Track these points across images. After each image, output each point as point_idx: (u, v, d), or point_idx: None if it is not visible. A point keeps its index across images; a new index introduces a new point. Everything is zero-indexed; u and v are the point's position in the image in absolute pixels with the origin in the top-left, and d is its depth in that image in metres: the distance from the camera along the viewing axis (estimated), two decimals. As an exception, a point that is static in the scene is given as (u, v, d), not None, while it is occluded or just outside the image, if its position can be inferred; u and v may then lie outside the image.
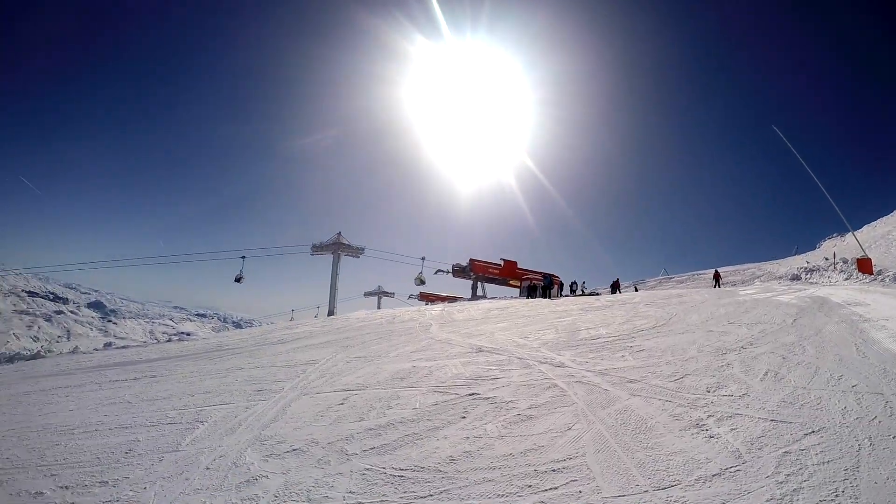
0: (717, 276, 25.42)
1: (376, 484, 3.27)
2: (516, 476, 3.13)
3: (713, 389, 4.48)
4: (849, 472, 2.91)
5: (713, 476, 2.90)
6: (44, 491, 3.86)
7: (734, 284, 24.15)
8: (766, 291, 14.28)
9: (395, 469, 3.46)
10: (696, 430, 3.58)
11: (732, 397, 4.21)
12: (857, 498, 2.64)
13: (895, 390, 4.36)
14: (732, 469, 2.96)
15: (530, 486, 2.98)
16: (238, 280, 30.65)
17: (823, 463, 3.03)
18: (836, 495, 2.68)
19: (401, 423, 4.41)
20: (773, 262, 32.05)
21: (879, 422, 3.66)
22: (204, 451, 4.29)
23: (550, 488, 2.93)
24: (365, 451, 3.88)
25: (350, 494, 3.19)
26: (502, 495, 2.90)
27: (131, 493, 3.63)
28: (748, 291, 13.79)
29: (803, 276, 21.84)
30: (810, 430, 3.52)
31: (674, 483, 2.85)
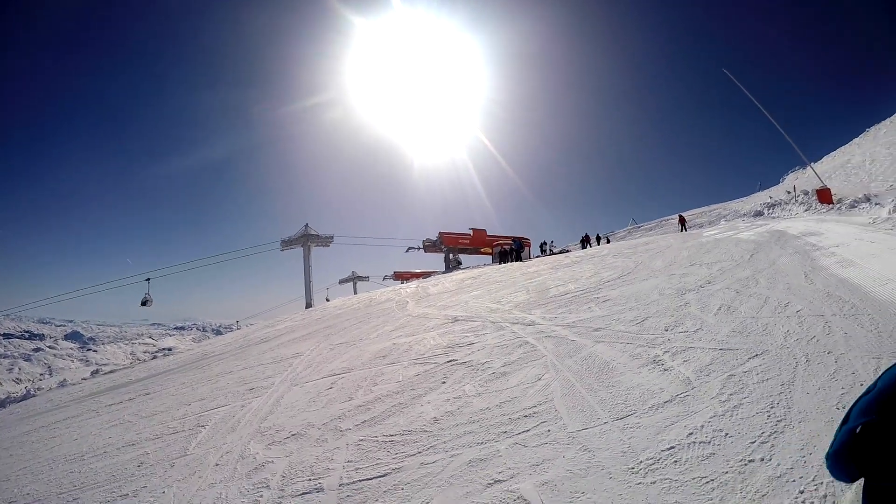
0: (682, 221, 25.83)
1: (370, 451, 3.54)
2: (493, 425, 3.44)
3: (671, 328, 4.85)
4: (785, 387, 3.27)
5: (665, 403, 3.25)
6: (69, 516, 3.82)
7: (700, 226, 24.77)
8: (730, 230, 14.88)
9: (386, 436, 3.73)
10: (652, 366, 3.93)
11: (687, 333, 4.59)
12: (790, 407, 2.99)
13: (835, 311, 4.78)
14: (682, 395, 3.31)
15: (506, 431, 3.30)
16: (144, 304, 29.02)
17: (763, 381, 3.40)
18: (772, 406, 3.03)
19: (387, 396, 4.68)
20: (738, 200, 32.76)
21: (817, 340, 4.05)
22: (210, 450, 4.47)
23: (523, 431, 3.26)
24: (357, 425, 4.14)
25: (349, 463, 3.45)
26: (482, 442, 3.21)
27: (151, 499, 3.79)
28: (711, 232, 14.35)
29: (766, 211, 22.59)
30: (754, 354, 3.90)
31: (630, 413, 3.20)
